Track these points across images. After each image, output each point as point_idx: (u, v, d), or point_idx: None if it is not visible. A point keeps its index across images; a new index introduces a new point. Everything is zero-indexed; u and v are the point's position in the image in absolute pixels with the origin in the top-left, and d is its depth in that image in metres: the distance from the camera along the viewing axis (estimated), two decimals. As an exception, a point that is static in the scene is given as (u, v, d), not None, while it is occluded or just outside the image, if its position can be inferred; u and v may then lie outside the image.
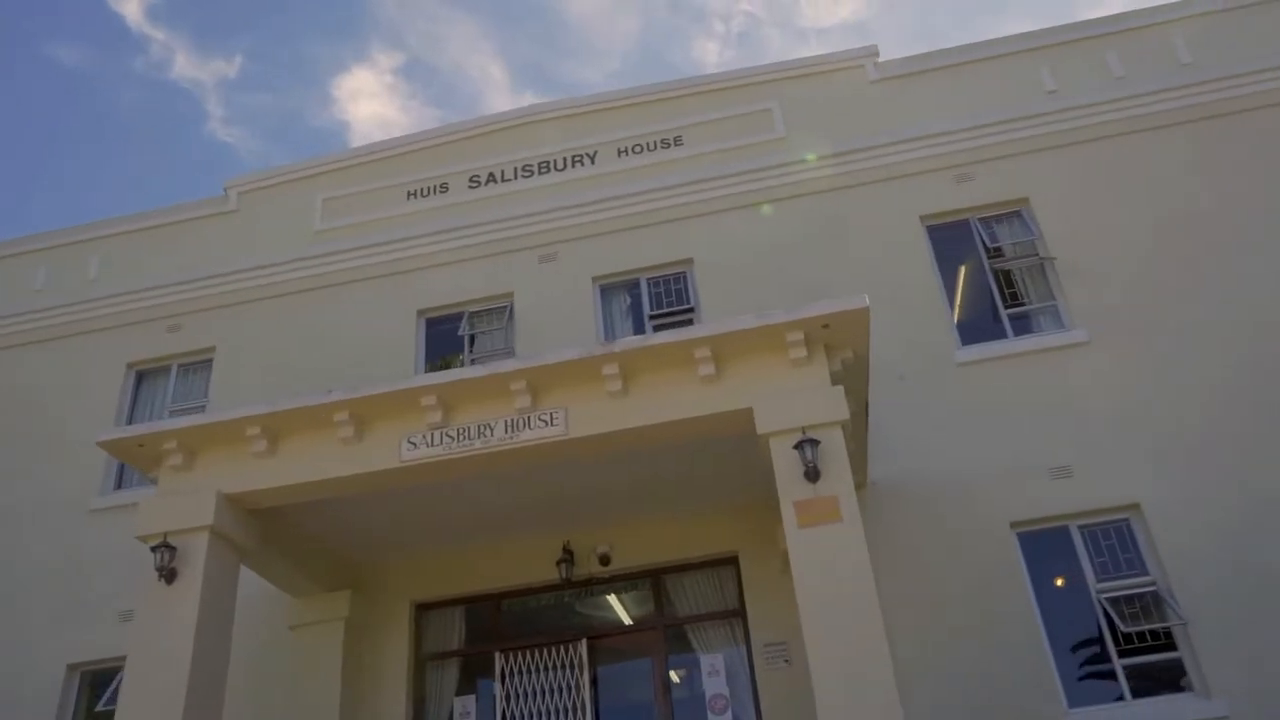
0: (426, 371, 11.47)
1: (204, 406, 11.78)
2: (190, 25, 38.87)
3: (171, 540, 7.60)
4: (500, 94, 48.29)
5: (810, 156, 11.66)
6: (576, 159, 12.48)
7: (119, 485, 11.61)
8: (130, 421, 12.01)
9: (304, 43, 42.48)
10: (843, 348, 7.58)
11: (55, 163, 38.91)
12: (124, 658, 9.98)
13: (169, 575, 7.53)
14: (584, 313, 11.39)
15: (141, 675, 7.22)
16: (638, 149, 12.36)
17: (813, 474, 6.98)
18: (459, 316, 11.87)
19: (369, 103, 45.06)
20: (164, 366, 12.36)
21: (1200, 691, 8.44)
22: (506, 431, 7.65)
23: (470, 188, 12.58)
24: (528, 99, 47.56)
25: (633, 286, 11.69)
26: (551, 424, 7.62)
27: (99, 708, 10.14)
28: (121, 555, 10.74)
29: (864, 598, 6.58)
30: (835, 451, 7.06)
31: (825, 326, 7.40)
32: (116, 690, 9.95)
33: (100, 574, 10.74)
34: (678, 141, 12.30)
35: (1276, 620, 8.43)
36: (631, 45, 47.75)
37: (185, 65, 39.87)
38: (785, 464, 7.13)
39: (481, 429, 7.70)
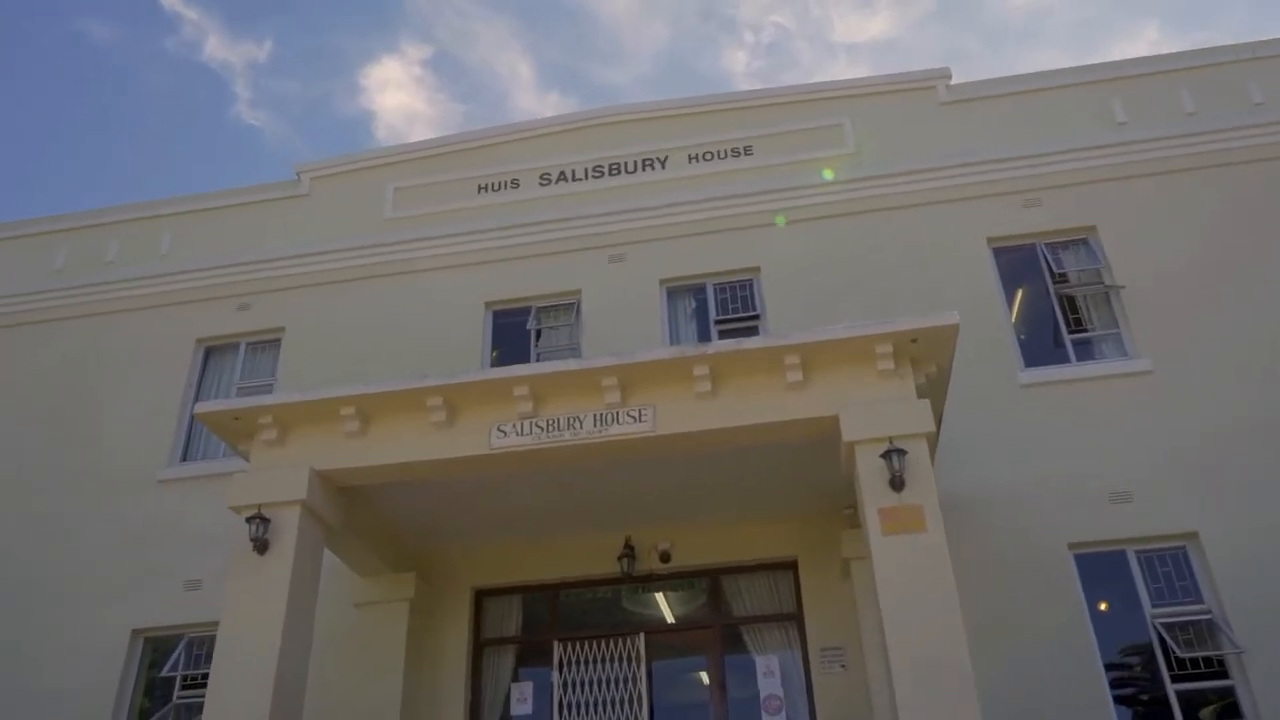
0: (492, 364, 11.69)
1: (271, 386, 12.02)
2: (222, 7, 39.26)
3: (265, 512, 7.82)
4: (527, 93, 48.63)
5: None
6: (647, 162, 12.69)
7: (185, 458, 11.84)
8: (198, 397, 12.25)
9: (334, 31, 42.87)
10: (928, 362, 7.78)
11: (79, 138, 39.34)
12: (187, 625, 10.37)
13: (261, 546, 7.75)
14: (650, 315, 11.60)
15: (235, 640, 7.45)
16: (708, 156, 12.57)
17: (898, 483, 7.18)
18: (526, 311, 12.09)
19: (396, 94, 45.41)
20: (233, 344, 12.61)
21: (1252, 720, 8.59)
22: (595, 425, 7.86)
23: (541, 185, 12.80)
24: (554, 99, 47.84)
25: (699, 291, 11.90)
26: (639, 420, 7.83)
27: (162, 673, 10.36)
28: (187, 526, 11.04)
29: (946, 606, 6.76)
30: (920, 462, 7.25)
31: (914, 340, 7.60)
32: (180, 657, 10.28)
33: (166, 543, 10.97)
34: (748, 151, 12.51)
35: (1330, 653, 8.58)
36: (661, 50, 48.02)
37: (216, 47, 40.28)
38: (869, 472, 7.32)
39: (571, 421, 7.91)
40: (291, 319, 12.45)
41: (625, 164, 12.73)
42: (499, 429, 7.98)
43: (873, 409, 7.49)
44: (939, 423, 8.62)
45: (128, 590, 10.77)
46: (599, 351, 11.19)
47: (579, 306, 11.92)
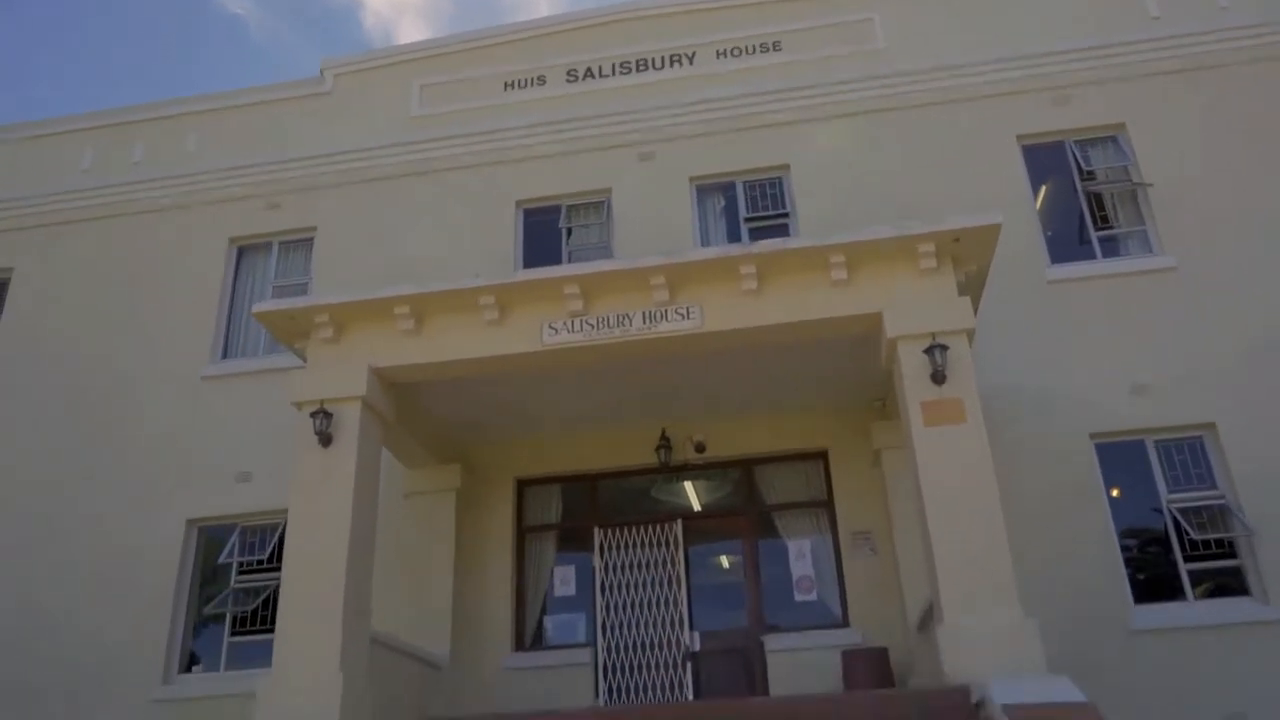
0: (524, 264, 11.88)
1: (306, 285, 12.22)
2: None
3: (327, 408, 8.14)
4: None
5: None
6: (675, 59, 12.64)
7: (225, 355, 12.12)
8: (234, 295, 12.47)
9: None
10: (968, 261, 8.01)
11: (60, 30, 38.30)
12: (239, 515, 10.82)
13: (325, 440, 8.10)
14: (681, 213, 11.73)
15: (305, 528, 7.88)
16: (737, 52, 12.52)
17: (940, 377, 7.49)
18: (557, 209, 12.22)
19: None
20: (265, 243, 12.75)
21: (1259, 597, 9.11)
22: (644, 322, 8.13)
23: (568, 81, 12.77)
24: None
25: (728, 189, 12.01)
26: (687, 318, 8.09)
27: (220, 560, 10.85)
28: (232, 420, 11.40)
29: (986, 493, 7.17)
30: (961, 357, 7.55)
31: (956, 240, 7.81)
32: (235, 545, 10.75)
33: (213, 438, 11.34)
34: (776, 47, 12.45)
35: (1336, 536, 9.05)
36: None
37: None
38: (912, 367, 7.63)
39: (620, 319, 8.17)
40: (322, 218, 12.56)
41: (653, 60, 12.67)
42: (549, 326, 8.24)
43: (915, 306, 7.75)
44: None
45: (180, 482, 11.18)
46: (630, 250, 11.44)
47: (609, 205, 12.04)
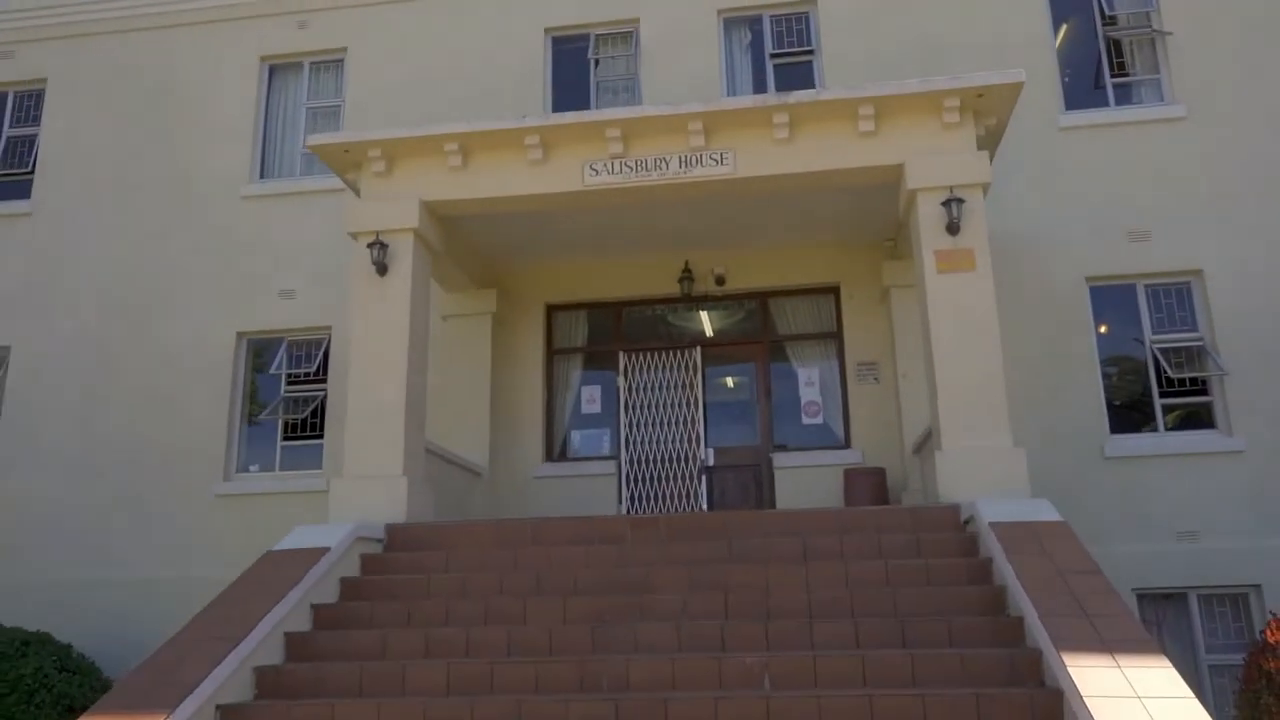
0: (553, 92, 12.15)
1: (339, 107, 12.51)
2: None
3: (383, 239, 8.74)
4: None
5: None
6: (703, -119, 12.45)
7: (262, 175, 12.54)
8: (267, 115, 12.76)
9: None
10: (989, 115, 8.45)
11: None
12: (285, 330, 11.58)
13: (382, 269, 8.74)
14: (708, 46, 11.93)
15: (367, 350, 8.63)
16: (766, -124, 12.33)
17: (954, 228, 8.10)
18: (586, 38, 12.37)
19: None
20: (296, 63, 12.92)
21: (1223, 430, 10.06)
22: (681, 166, 8.63)
23: (597, -96, 12.62)
24: None
25: (755, 22, 12.15)
26: (721, 163, 8.59)
27: (271, 370, 11.69)
28: (274, 239, 11.98)
29: (988, 335, 7.92)
30: (975, 209, 8.14)
31: (980, 95, 8.23)
32: (282, 357, 11.55)
33: (257, 255, 11.95)
34: (808, -128, 12.26)
35: (1301, 378, 9.92)
36: None
37: None
38: (929, 217, 8.22)
39: (658, 162, 8.67)
40: (353, 39, 12.68)
41: (683, -119, 12.48)
42: (591, 167, 8.74)
43: (936, 159, 8.25)
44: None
45: (227, 297, 11.87)
46: (656, 84, 11.74)
47: (637, 36, 12.19)
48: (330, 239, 11.80)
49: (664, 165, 8.65)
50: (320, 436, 11.46)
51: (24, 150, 13.03)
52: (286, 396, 11.61)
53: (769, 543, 7.15)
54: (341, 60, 12.77)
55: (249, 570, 6.96)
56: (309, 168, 12.41)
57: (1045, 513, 6.80)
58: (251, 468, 11.59)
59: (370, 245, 8.74)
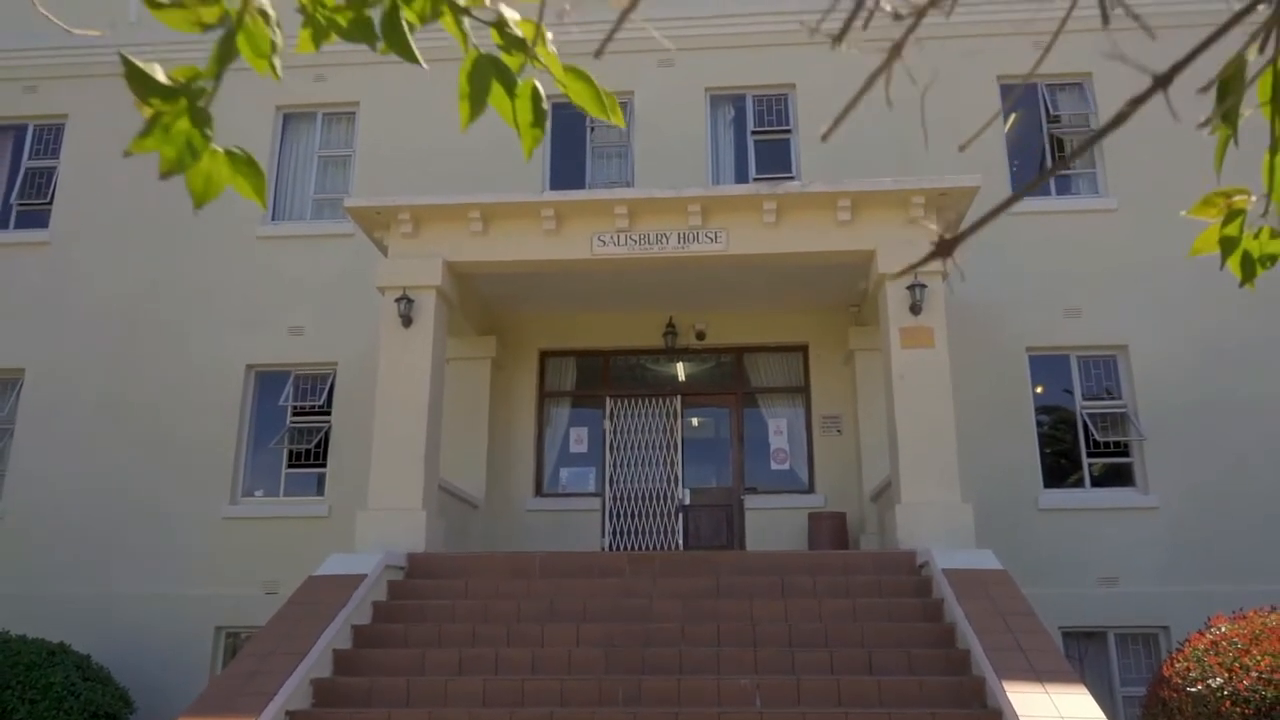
0: (551, 156, 13.23)
1: (350, 156, 13.46)
2: None
3: (409, 294, 9.72)
4: None
5: None
6: (695, -30, 13.69)
7: (274, 217, 13.41)
8: (280, 162, 13.64)
9: None
10: (950, 211, 9.73)
11: None
12: (293, 364, 12.43)
13: (407, 321, 9.72)
14: (696, 120, 13.12)
15: (393, 392, 9.59)
16: (749, -32, 13.61)
17: (917, 309, 9.33)
18: (583, 106, 13.46)
19: None
20: (310, 113, 13.84)
21: (1142, 488, 11.42)
22: (679, 242, 9.76)
23: (597, -17, 13.77)
24: None
25: (739, 100, 13.38)
26: (715, 241, 9.74)
27: (280, 401, 12.53)
28: (286, 278, 12.84)
29: (943, 403, 9.15)
30: (936, 294, 9.39)
31: (942, 194, 9.50)
32: (289, 391, 12.40)
33: (268, 293, 12.80)
34: (787, -32, 13.56)
35: (1207, 445, 11.30)
36: None
37: None
38: (895, 298, 9.45)
39: (659, 237, 9.79)
40: (366, 93, 13.65)
41: (668, -29, 13.70)
42: (599, 238, 9.83)
43: (903, 247, 9.49)
44: (945, 251, 10.68)
45: (239, 331, 12.69)
46: (648, 154, 12.89)
47: (631, 107, 13.34)
48: (338, 280, 12.69)
49: (664, 240, 9.77)
50: (323, 465, 12.31)
51: (43, 181, 13.75)
52: (292, 427, 12.45)
53: (752, 579, 8.24)
54: (354, 113, 13.71)
55: (296, 593, 7.87)
56: (320, 212, 13.31)
57: (989, 561, 8.00)
58: (256, 493, 12.39)
59: (397, 300, 9.71)
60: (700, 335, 12.29)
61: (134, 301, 12.91)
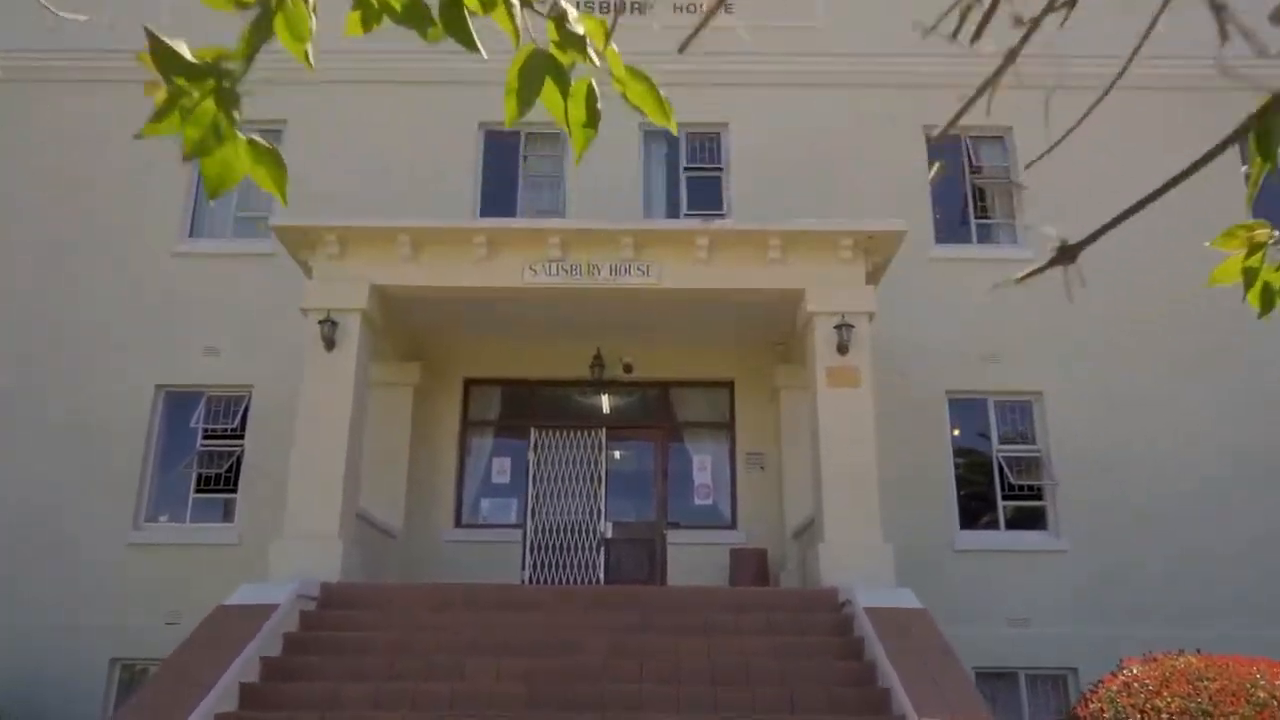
0: (483, 182, 13.14)
1: (275, 175, 13.14)
2: None
3: (334, 317, 9.50)
4: None
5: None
6: (635, 5, 13.83)
7: (192, 233, 13.02)
8: (201, 175, 13.24)
9: None
10: (877, 254, 9.92)
11: None
12: (207, 385, 12.05)
13: (330, 344, 9.49)
14: (629, 156, 13.15)
15: (314, 415, 9.33)
16: (692, 8, 13.80)
17: (844, 348, 9.46)
18: (516, 134, 13.44)
19: None
20: (235, 129, 13.47)
21: (1053, 532, 11.70)
22: (611, 273, 9.75)
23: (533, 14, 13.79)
24: None
25: (672, 138, 13.48)
26: (648, 274, 9.76)
27: (191, 424, 12.09)
28: (203, 297, 12.45)
29: (866, 443, 9.27)
30: (862, 335, 9.53)
31: (870, 238, 9.68)
32: (201, 412, 12.00)
33: (184, 312, 12.38)
34: (727, 8, 13.79)
35: (1116, 490, 11.64)
36: None
37: None
38: (822, 338, 9.57)
39: (591, 268, 9.77)
40: (294, 111, 13.35)
41: (615, 3, 13.82)
42: (531, 268, 9.76)
43: (831, 288, 9.63)
44: (870, 294, 10.87)
45: (150, 350, 12.23)
46: (579, 187, 12.87)
47: (564, 138, 13.34)
48: (258, 301, 12.34)
49: (597, 271, 9.75)
50: (234, 491, 11.89)
51: (-56, 189, 13.12)
52: (202, 450, 12.02)
53: (677, 616, 8.18)
54: (280, 130, 13.41)
55: (202, 624, 7.54)
56: (241, 230, 12.98)
57: (909, 600, 8.08)
58: (162, 518, 11.90)
59: (321, 322, 9.48)
60: (628, 368, 12.26)
61: (39, 316, 12.36)
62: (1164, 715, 5.67)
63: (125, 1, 13.76)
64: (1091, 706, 6.36)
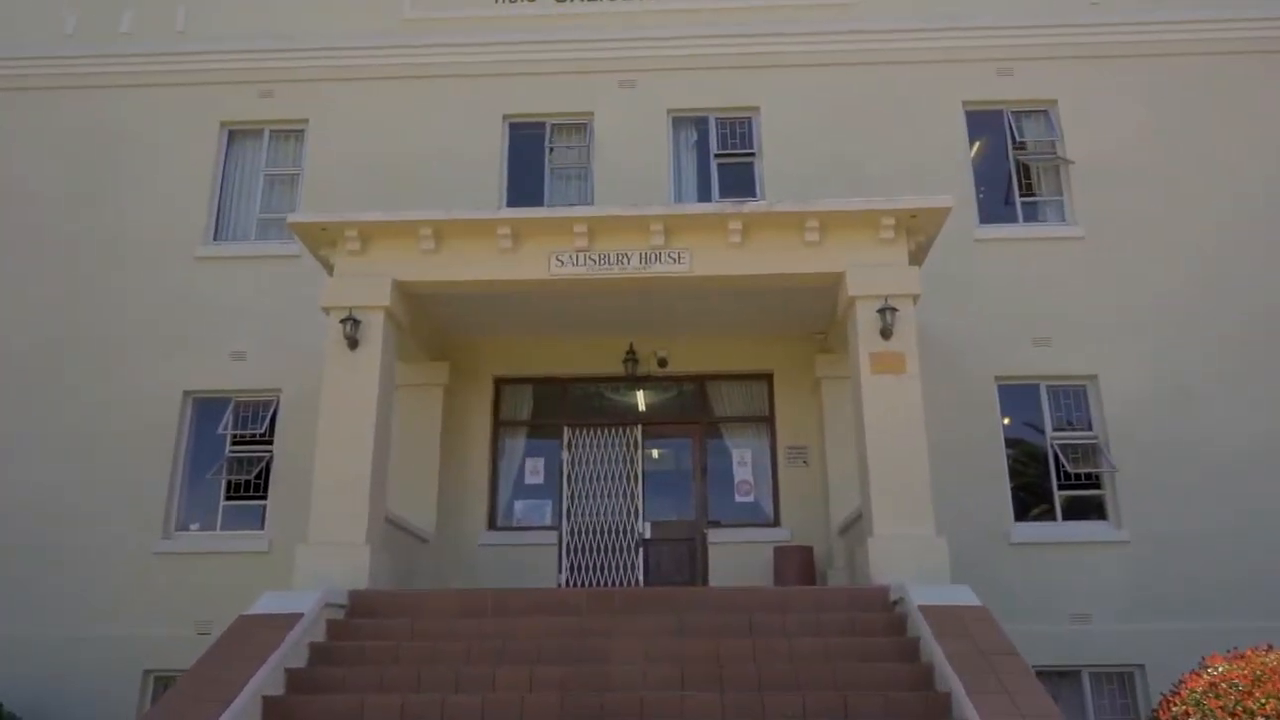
0: (509, 176, 12.79)
1: (298, 175, 12.91)
2: None
3: (355, 314, 9.18)
4: None
5: None
6: (659, -10, 13.42)
7: (216, 237, 12.79)
8: (224, 179, 13.05)
9: None
10: (920, 233, 9.42)
11: None
12: (234, 390, 11.82)
13: (353, 343, 9.17)
14: (658, 143, 12.76)
15: (337, 416, 9.02)
16: (716, -9, 13.37)
17: (888, 333, 8.97)
18: (542, 126, 13.08)
19: None
20: (256, 130, 13.27)
21: (1114, 522, 11.11)
22: (641, 262, 9.34)
23: (557, 1, 13.45)
24: None
25: (702, 123, 13.05)
26: (679, 261, 9.33)
27: (219, 430, 11.85)
28: (228, 301, 12.23)
29: (915, 432, 8.78)
30: (907, 318, 9.04)
31: (913, 216, 9.19)
32: (229, 418, 11.76)
33: (208, 316, 12.16)
34: (755, -10, 13.35)
35: (1180, 477, 11.04)
36: None
37: None
38: (865, 322, 9.08)
39: (620, 257, 9.36)
40: (315, 110, 13.13)
41: (639, -10, 13.42)
42: (557, 258, 9.38)
43: (872, 270, 9.15)
44: (914, 277, 10.37)
45: (176, 355, 12.01)
46: (607, 176, 12.52)
47: (591, 128, 12.97)
48: (283, 303, 12.09)
49: (625, 260, 9.35)
50: (264, 497, 11.63)
51: (-29, 198, 13.01)
52: (231, 457, 11.78)
53: (717, 617, 7.75)
54: (303, 130, 13.18)
55: (226, 633, 7.24)
56: (264, 232, 12.74)
57: (967, 598, 7.59)
58: (192, 526, 11.67)
59: (343, 320, 9.17)
60: (662, 363, 11.84)
61: (65, 323, 12.20)
62: (1258, 719, 5.17)
63: (142, 7, 13.66)
64: (1174, 710, 5.85)
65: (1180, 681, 6.15)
